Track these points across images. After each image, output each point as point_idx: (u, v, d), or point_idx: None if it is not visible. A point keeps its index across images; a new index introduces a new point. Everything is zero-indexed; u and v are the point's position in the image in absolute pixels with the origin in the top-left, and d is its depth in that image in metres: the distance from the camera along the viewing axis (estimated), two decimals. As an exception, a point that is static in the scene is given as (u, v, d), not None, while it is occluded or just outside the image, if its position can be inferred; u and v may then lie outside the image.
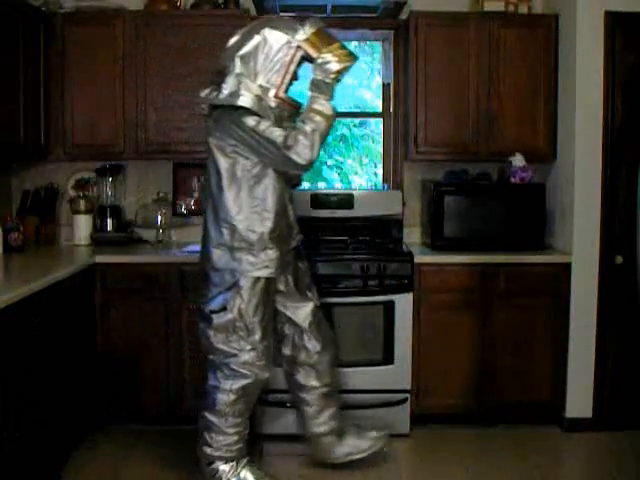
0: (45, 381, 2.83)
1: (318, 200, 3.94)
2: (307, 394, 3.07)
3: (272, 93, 2.64)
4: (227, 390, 2.78)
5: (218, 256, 2.73)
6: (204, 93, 2.78)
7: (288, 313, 2.99)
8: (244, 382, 2.78)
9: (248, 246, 2.70)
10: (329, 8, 3.78)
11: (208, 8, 3.81)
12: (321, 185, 4.32)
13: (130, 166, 4.05)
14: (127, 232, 3.97)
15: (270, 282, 2.80)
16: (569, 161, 3.55)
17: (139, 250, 3.76)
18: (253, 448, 3.36)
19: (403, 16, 3.91)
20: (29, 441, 2.67)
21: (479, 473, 3.12)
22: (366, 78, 4.31)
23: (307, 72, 2.76)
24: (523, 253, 3.56)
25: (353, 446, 3.10)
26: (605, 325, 3.51)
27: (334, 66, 2.63)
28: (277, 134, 2.58)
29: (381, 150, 4.25)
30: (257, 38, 2.64)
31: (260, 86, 2.63)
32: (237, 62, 2.63)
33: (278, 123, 2.64)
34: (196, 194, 4.08)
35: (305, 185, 4.30)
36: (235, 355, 2.75)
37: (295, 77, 2.72)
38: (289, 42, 2.64)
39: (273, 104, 2.65)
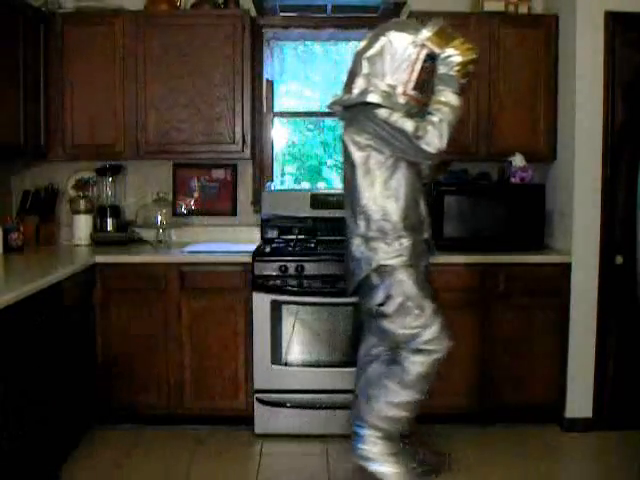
0: (44, 381, 2.83)
1: (318, 200, 3.94)
2: None
3: (400, 90, 2.74)
4: (417, 362, 2.81)
5: (356, 246, 2.83)
6: (336, 96, 2.93)
7: None
8: (435, 357, 2.82)
9: (383, 235, 2.78)
10: (329, 8, 3.78)
11: (208, 8, 3.81)
12: (321, 185, 4.32)
13: (130, 166, 4.05)
14: (127, 232, 3.97)
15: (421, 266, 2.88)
16: (569, 161, 3.55)
17: (139, 250, 3.76)
18: (253, 448, 3.37)
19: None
20: (28, 441, 2.67)
21: (479, 473, 3.12)
22: (366, 78, 4.31)
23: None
24: (523, 253, 3.56)
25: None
26: (605, 325, 3.51)
27: (456, 59, 2.72)
28: (408, 124, 2.68)
29: (381, 150, 4.25)
30: (383, 40, 2.75)
31: (389, 85, 2.74)
32: (364, 64, 2.77)
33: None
34: (196, 194, 4.09)
35: (305, 185, 4.31)
36: (418, 334, 2.79)
37: (422, 74, 2.78)
38: (413, 41, 2.74)
39: (402, 101, 2.75)
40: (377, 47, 2.75)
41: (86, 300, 3.39)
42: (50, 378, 2.88)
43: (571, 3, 3.49)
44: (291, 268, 3.44)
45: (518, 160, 3.70)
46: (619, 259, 3.45)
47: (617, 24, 3.42)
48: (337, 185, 4.36)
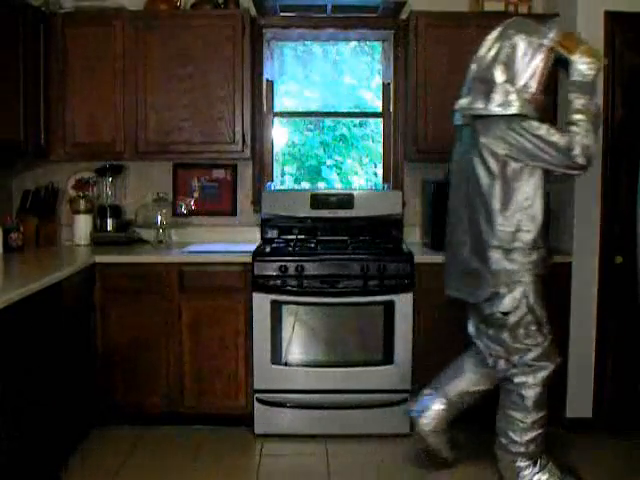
0: (45, 381, 2.83)
1: (318, 200, 3.94)
2: None
3: (528, 95, 2.72)
4: (531, 384, 2.85)
5: (495, 259, 2.79)
6: (465, 102, 2.85)
7: None
8: (544, 373, 2.85)
9: (523, 246, 2.77)
10: (329, 8, 3.78)
11: (208, 8, 3.81)
12: (321, 185, 4.32)
13: (130, 166, 4.05)
14: (127, 232, 3.97)
15: (545, 278, 2.87)
16: (569, 161, 3.55)
17: (139, 250, 3.76)
18: (253, 448, 3.37)
19: (403, 16, 3.92)
20: (28, 441, 2.67)
21: (479, 473, 3.12)
22: (366, 78, 4.31)
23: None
24: (523, 253, 3.55)
25: None
26: (605, 325, 3.51)
27: (591, 66, 2.69)
28: (559, 138, 2.67)
29: (381, 150, 4.26)
30: (510, 43, 2.72)
31: (521, 90, 2.71)
32: (497, 71, 2.72)
33: None
34: (196, 194, 4.09)
35: (305, 185, 4.31)
36: (530, 350, 2.83)
37: (548, 78, 2.79)
38: (541, 44, 2.72)
39: (532, 106, 2.74)
40: (507, 51, 2.72)
41: (86, 300, 3.39)
42: (50, 378, 2.88)
43: (571, 3, 3.49)
44: (291, 268, 3.44)
45: (518, 160, 3.69)
46: (619, 259, 3.45)
47: (617, 24, 3.42)
48: (337, 185, 4.36)
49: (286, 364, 3.48)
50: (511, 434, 2.89)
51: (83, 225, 3.90)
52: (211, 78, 3.72)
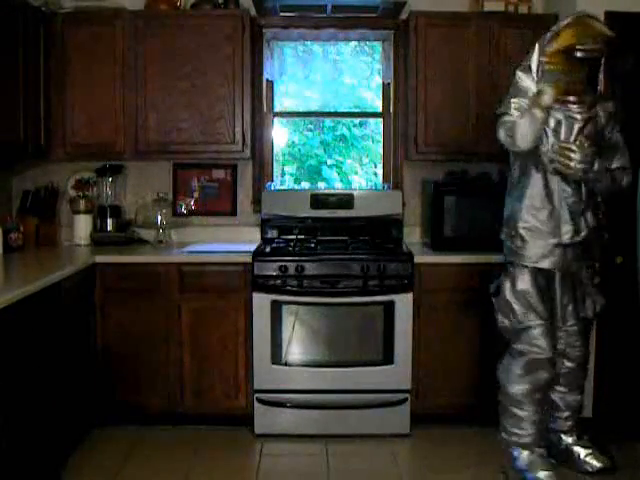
0: (45, 381, 2.83)
1: (318, 200, 3.94)
2: None
3: None
4: (512, 371, 2.98)
5: (505, 246, 3.06)
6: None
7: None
8: (523, 360, 2.95)
9: (518, 237, 2.96)
10: (329, 8, 3.78)
11: (208, 8, 3.81)
12: (321, 185, 4.32)
13: (130, 166, 4.05)
14: (127, 232, 3.97)
15: (543, 272, 2.96)
16: (569, 161, 3.54)
17: (139, 250, 3.76)
18: (253, 448, 3.37)
19: (403, 16, 3.91)
20: (29, 441, 2.67)
21: (479, 473, 3.12)
22: (366, 78, 4.31)
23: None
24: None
25: None
26: (605, 325, 3.51)
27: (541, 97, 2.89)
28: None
29: (381, 150, 4.26)
30: None
31: None
32: None
33: None
34: (196, 194, 4.09)
35: (305, 185, 4.31)
36: (513, 335, 2.98)
37: None
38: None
39: None
40: None
41: (86, 300, 3.39)
42: (50, 378, 2.88)
43: (571, 3, 3.49)
44: (291, 268, 3.44)
45: (518, 160, 3.69)
46: (619, 259, 3.45)
47: (617, 24, 3.41)
48: (337, 185, 4.36)
49: (286, 364, 3.48)
50: (501, 421, 3.05)
51: (83, 225, 3.90)
52: (211, 78, 3.72)
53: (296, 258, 3.46)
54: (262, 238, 3.97)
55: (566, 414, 3.16)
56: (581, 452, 3.12)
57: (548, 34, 2.89)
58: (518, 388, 2.94)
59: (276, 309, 3.45)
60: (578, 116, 2.93)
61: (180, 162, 4.03)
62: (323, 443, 3.39)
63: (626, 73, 3.45)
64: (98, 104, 3.71)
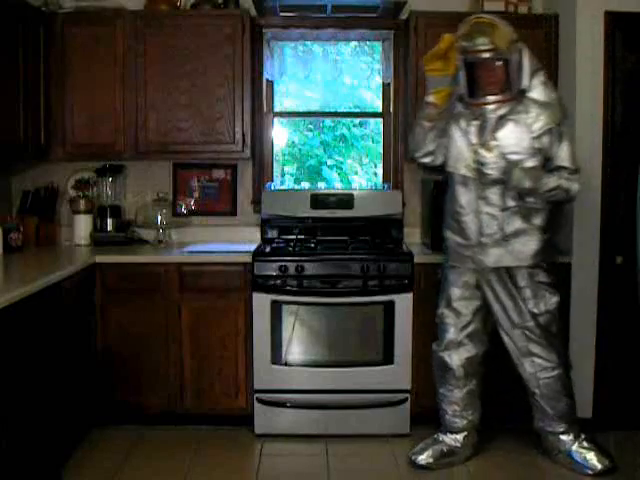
0: (45, 381, 2.83)
1: (318, 200, 3.94)
2: None
3: None
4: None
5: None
6: None
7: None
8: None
9: (444, 239, 3.18)
10: (329, 8, 3.78)
11: (208, 8, 3.81)
12: (321, 185, 4.32)
13: (130, 166, 4.05)
14: (127, 232, 3.97)
15: (455, 272, 3.12)
16: (569, 161, 3.55)
17: (139, 250, 3.76)
18: (253, 448, 3.37)
19: (403, 16, 3.91)
20: (29, 441, 2.67)
21: (479, 473, 3.12)
22: (366, 78, 4.31)
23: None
24: (523, 253, 3.55)
25: None
26: (605, 325, 3.51)
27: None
28: None
29: (381, 150, 4.26)
30: None
31: None
32: None
33: None
34: (196, 194, 4.09)
35: (305, 185, 4.31)
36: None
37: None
38: None
39: None
40: None
41: (86, 300, 3.39)
42: (50, 378, 2.88)
43: (571, 3, 3.49)
44: (291, 268, 3.44)
45: (518, 160, 3.69)
46: (619, 259, 3.45)
47: (617, 24, 3.42)
48: (337, 185, 4.36)
49: (286, 364, 3.48)
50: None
51: (83, 225, 3.90)
52: (211, 78, 3.72)
53: (296, 258, 3.46)
54: (262, 238, 3.97)
55: (556, 418, 3.14)
56: (581, 453, 3.11)
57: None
58: None
59: (276, 309, 3.45)
60: (491, 117, 2.91)
61: (180, 162, 4.03)
62: (323, 443, 3.39)
63: (626, 73, 3.44)
64: (98, 104, 3.71)
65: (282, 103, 4.30)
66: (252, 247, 3.67)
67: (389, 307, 3.45)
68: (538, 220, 2.99)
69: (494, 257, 3.00)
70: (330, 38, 4.05)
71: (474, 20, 2.87)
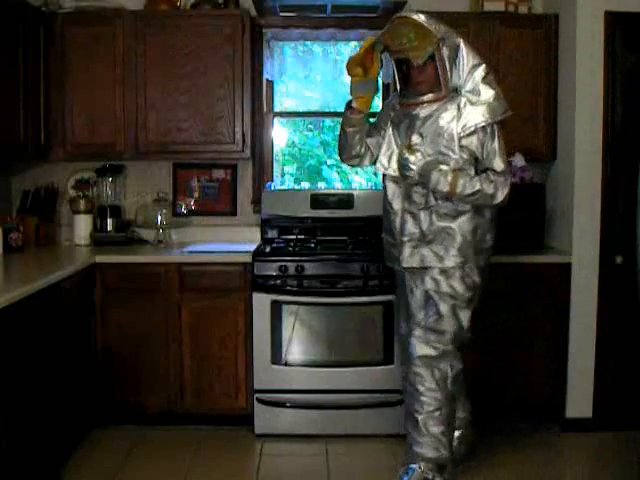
0: (45, 381, 2.83)
1: (318, 200, 3.94)
2: None
3: None
4: None
5: None
6: None
7: None
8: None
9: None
10: (329, 8, 3.78)
11: (208, 8, 3.81)
12: (321, 185, 4.32)
13: (130, 166, 4.05)
14: (127, 232, 3.97)
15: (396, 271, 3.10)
16: (569, 161, 3.55)
17: (139, 250, 3.77)
18: (253, 448, 3.37)
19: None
20: (29, 441, 2.67)
21: (479, 473, 3.12)
22: (366, 78, 4.31)
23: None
24: (523, 253, 3.55)
25: None
26: (605, 325, 3.51)
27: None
28: None
29: (381, 150, 4.25)
30: None
31: None
32: None
33: None
34: (196, 194, 4.09)
35: (305, 185, 4.31)
36: None
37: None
38: None
39: None
40: None
41: (86, 300, 3.39)
42: (50, 378, 2.88)
43: (571, 3, 3.49)
44: (291, 268, 3.44)
45: (518, 160, 3.70)
46: (619, 259, 3.45)
47: (617, 24, 3.42)
48: (337, 185, 4.36)
49: (286, 364, 3.48)
50: None
51: (83, 225, 3.90)
52: (211, 78, 3.72)
53: (296, 258, 3.46)
54: (262, 238, 3.97)
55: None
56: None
57: None
58: None
59: (276, 309, 3.45)
60: (419, 116, 2.85)
61: (180, 162, 4.03)
62: (323, 443, 3.39)
63: (626, 73, 3.45)
64: (98, 104, 3.72)
65: (282, 103, 4.30)
66: (252, 247, 3.67)
67: (389, 307, 3.45)
68: (462, 221, 2.83)
69: (407, 257, 2.89)
70: (330, 38, 4.05)
71: (397, 20, 2.78)
